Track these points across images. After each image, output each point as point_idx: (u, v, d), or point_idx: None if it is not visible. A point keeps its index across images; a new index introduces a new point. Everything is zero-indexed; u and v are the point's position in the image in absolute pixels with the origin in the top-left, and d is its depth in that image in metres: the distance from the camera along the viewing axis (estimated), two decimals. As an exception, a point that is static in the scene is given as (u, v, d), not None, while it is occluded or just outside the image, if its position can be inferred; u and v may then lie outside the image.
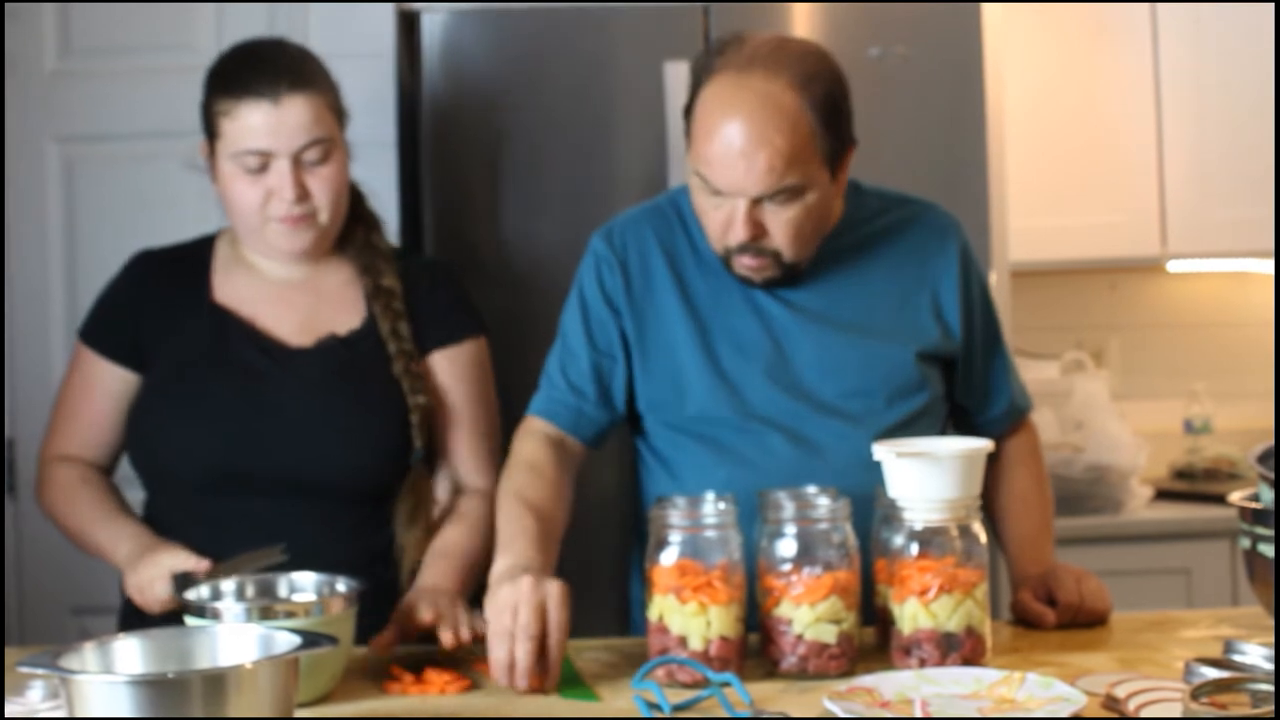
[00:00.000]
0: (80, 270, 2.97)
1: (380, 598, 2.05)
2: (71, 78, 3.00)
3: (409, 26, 2.99)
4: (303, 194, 2.15)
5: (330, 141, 2.17)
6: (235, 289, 2.24)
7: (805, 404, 2.04)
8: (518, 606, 1.76)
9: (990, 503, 2.20)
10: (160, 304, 2.23)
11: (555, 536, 1.98)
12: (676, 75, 2.83)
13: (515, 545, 1.90)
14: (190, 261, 2.27)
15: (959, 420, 2.20)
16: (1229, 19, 3.50)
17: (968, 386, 2.16)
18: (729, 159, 1.91)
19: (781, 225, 1.96)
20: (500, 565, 1.87)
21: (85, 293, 2.95)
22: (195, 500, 2.15)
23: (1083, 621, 2.01)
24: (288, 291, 2.24)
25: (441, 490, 2.26)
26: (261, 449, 2.13)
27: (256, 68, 2.15)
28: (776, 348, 2.06)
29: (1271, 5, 3.44)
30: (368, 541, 2.18)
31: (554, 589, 1.78)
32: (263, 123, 2.12)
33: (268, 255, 2.22)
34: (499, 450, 2.24)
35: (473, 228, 2.86)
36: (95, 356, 2.23)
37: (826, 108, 1.94)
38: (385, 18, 2.99)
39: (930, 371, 2.09)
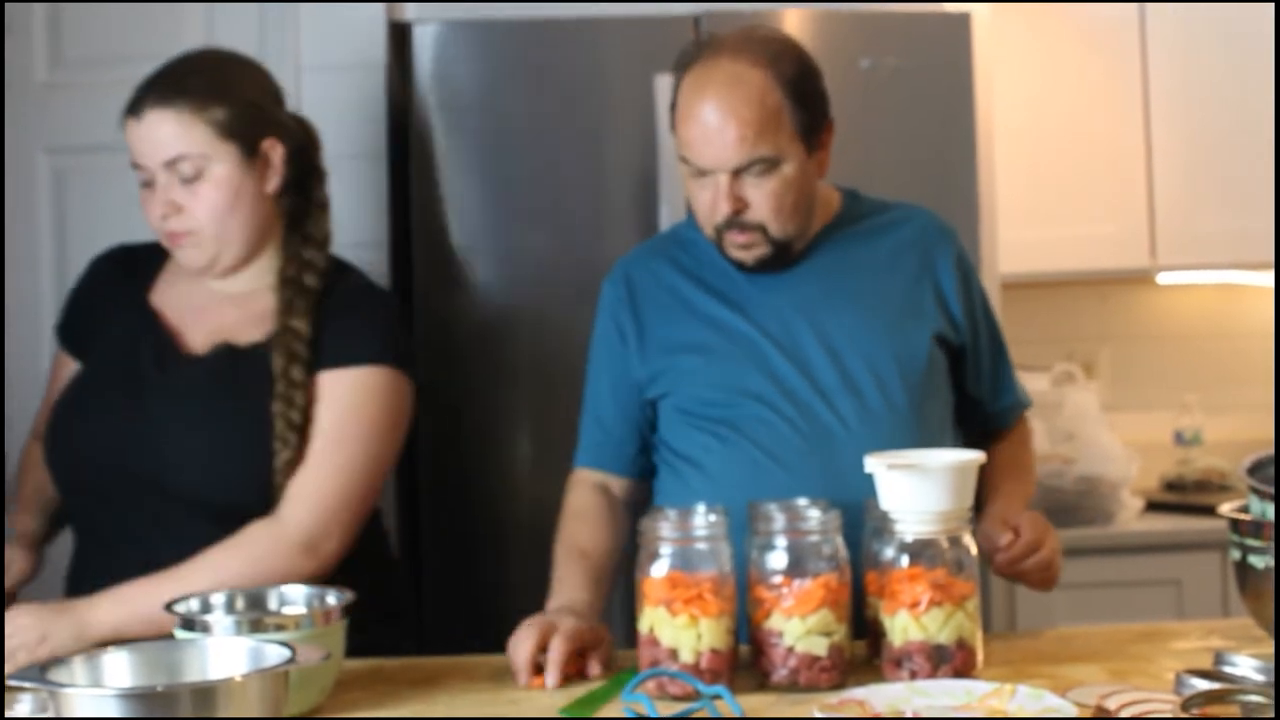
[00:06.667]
0: (71, 281, 2.96)
1: None
2: (62, 89, 3.00)
3: (400, 38, 2.99)
4: (174, 209, 2.15)
5: (203, 158, 2.13)
6: (169, 293, 2.26)
7: (819, 382, 2.07)
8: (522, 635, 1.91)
9: None
10: (105, 301, 2.28)
11: (602, 574, 2.10)
12: (667, 87, 2.79)
13: (562, 588, 2.06)
14: (148, 261, 2.30)
15: (968, 413, 2.22)
16: (1217, 31, 3.51)
17: (977, 377, 2.20)
18: (704, 136, 2.01)
19: (762, 198, 2.03)
20: (548, 606, 2.02)
21: (76, 304, 2.96)
22: (76, 501, 2.21)
23: (1028, 571, 1.99)
24: (217, 303, 2.24)
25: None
26: (132, 455, 2.13)
27: (146, 83, 2.17)
28: (787, 332, 2.09)
29: (1261, 14, 3.45)
30: None
31: (563, 625, 1.91)
32: (134, 138, 2.15)
33: (199, 276, 2.24)
34: (336, 494, 2.10)
35: (462, 238, 2.86)
36: (60, 350, 2.32)
37: (795, 83, 2.03)
38: (376, 29, 2.99)
39: (939, 356, 2.13)
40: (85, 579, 2.14)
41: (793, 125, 2.02)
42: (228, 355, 2.17)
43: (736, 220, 2.04)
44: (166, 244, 2.20)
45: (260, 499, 2.11)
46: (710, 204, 2.05)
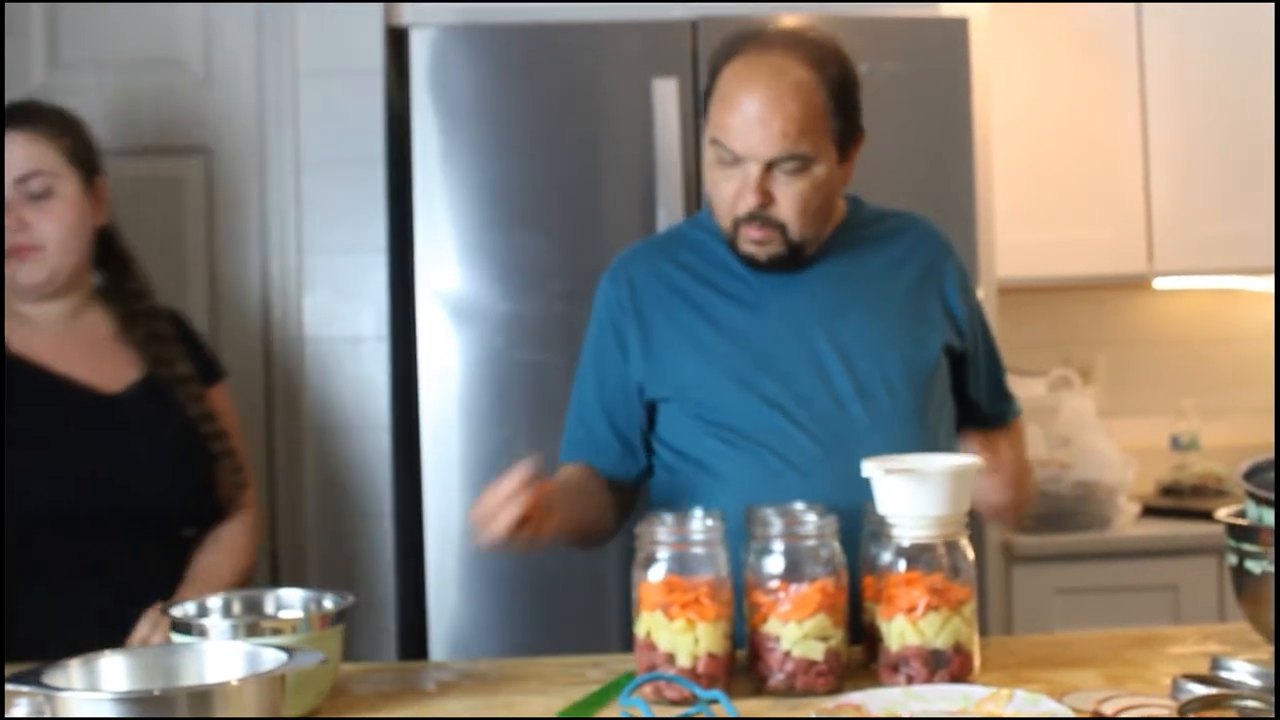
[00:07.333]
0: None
1: None
2: (58, 92, 2.99)
3: (398, 42, 2.99)
4: (22, 225, 2.25)
5: (54, 176, 2.27)
6: (16, 336, 2.30)
7: (833, 386, 2.08)
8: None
9: None
10: None
11: (579, 490, 2.12)
12: (664, 92, 2.83)
13: None
14: None
15: (965, 418, 2.24)
16: (1215, 33, 3.52)
17: (977, 382, 2.23)
18: (745, 123, 2.01)
19: (790, 196, 2.03)
20: None
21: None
22: (28, 537, 2.19)
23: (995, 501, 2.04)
24: (64, 341, 2.32)
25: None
26: (108, 491, 2.21)
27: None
28: (801, 334, 2.10)
29: (1259, 15, 3.45)
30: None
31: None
32: None
33: (20, 296, 2.30)
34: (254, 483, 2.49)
35: (461, 243, 2.86)
36: None
37: (839, 88, 2.05)
38: (374, 34, 2.99)
39: (944, 362, 2.15)
40: (29, 616, 2.16)
41: (831, 130, 2.04)
42: (142, 388, 2.32)
43: (759, 214, 2.04)
44: (10, 260, 2.26)
45: (211, 513, 2.35)
46: (735, 194, 2.04)
